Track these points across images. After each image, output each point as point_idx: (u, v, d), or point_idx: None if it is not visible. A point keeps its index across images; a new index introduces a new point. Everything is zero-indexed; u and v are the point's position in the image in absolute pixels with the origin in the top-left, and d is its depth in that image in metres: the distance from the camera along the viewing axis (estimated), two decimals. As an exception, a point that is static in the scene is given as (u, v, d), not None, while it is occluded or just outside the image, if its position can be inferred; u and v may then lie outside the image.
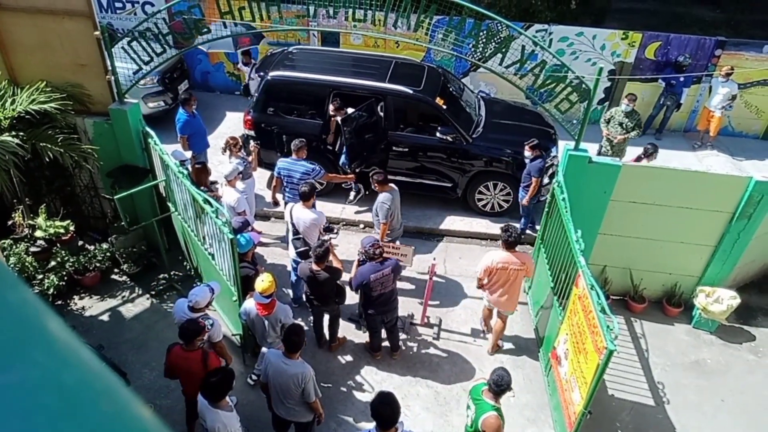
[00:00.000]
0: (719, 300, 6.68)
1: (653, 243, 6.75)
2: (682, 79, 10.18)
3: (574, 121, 6.29)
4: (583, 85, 6.01)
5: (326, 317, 6.32)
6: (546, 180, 8.26)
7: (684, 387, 6.33)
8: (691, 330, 7.02)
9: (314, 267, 5.66)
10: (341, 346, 6.53)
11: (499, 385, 4.33)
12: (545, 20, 11.07)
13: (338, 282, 5.94)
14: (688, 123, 11.10)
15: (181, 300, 5.36)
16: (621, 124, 8.83)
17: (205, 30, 6.73)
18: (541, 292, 6.74)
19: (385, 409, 3.88)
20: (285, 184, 7.05)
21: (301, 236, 6.32)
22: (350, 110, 7.95)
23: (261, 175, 8.37)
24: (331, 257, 5.84)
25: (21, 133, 6.16)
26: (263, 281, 5.21)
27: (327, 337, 6.43)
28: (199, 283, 7.05)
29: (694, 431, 5.90)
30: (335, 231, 6.78)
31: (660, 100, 10.56)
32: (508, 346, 6.65)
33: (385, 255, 5.71)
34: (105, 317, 6.79)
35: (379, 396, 4.01)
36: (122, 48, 6.39)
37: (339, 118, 7.88)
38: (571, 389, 5.14)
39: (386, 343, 6.38)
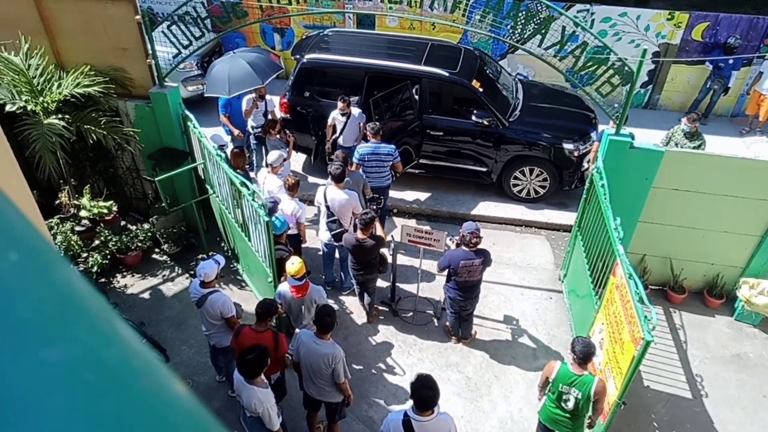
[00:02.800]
0: (764, 292, 6.45)
1: (695, 232, 6.54)
2: (731, 61, 9.75)
3: (616, 105, 6.11)
4: (626, 68, 5.82)
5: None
6: (585, 165, 8.09)
7: (724, 381, 6.16)
8: (733, 322, 6.81)
9: (359, 235, 5.83)
10: (376, 318, 6.68)
11: (587, 353, 4.47)
12: (587, 0, 10.74)
13: (381, 250, 6.11)
14: (736, 108, 10.65)
15: (194, 280, 5.45)
16: (677, 145, 7.63)
17: (242, 14, 6.78)
18: (576, 280, 6.63)
19: (426, 392, 3.91)
20: (369, 168, 7.12)
21: (335, 218, 6.37)
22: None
23: (296, 159, 8.43)
24: (375, 225, 5.97)
25: (67, 116, 6.37)
26: (293, 264, 5.29)
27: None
28: (235, 264, 7.23)
29: (733, 427, 5.74)
30: (380, 201, 6.84)
31: (707, 83, 10.15)
32: (541, 334, 6.59)
33: (475, 244, 5.62)
34: (146, 295, 7.02)
35: (420, 379, 4.04)
36: (162, 32, 6.50)
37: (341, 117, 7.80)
38: (606, 379, 5.06)
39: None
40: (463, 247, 5.66)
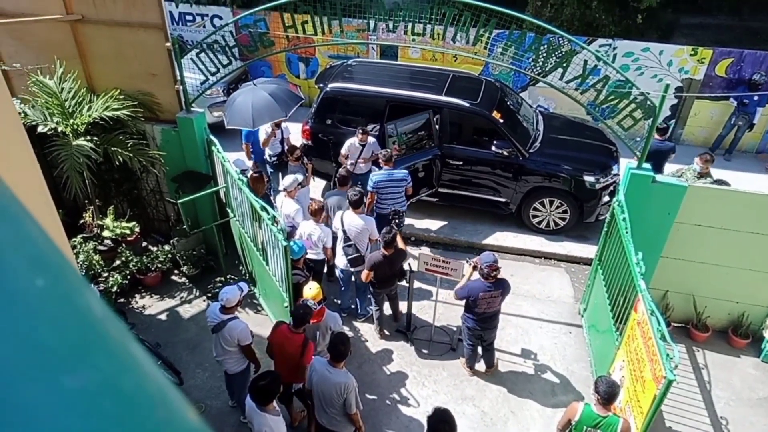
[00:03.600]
0: (792, 333, 6.25)
1: (720, 269, 6.39)
2: (756, 97, 9.66)
3: (638, 139, 6.08)
4: (648, 102, 5.81)
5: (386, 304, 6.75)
6: (606, 198, 8.02)
7: (751, 425, 5.93)
8: (760, 364, 6.58)
9: (385, 252, 6.05)
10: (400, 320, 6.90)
11: (611, 393, 4.37)
12: (609, 35, 10.80)
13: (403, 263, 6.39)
14: (762, 144, 10.51)
15: (213, 304, 5.44)
16: None
17: (269, 43, 6.94)
18: (597, 315, 6.51)
19: (444, 426, 3.85)
20: (384, 194, 7.20)
21: (352, 243, 6.39)
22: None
23: (315, 185, 8.50)
24: (398, 241, 6.18)
25: (95, 138, 6.54)
26: (311, 289, 5.30)
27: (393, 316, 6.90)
28: (252, 288, 7.25)
29: (760, 473, 5.52)
30: (401, 214, 7.01)
31: (731, 119, 10.05)
32: (559, 369, 6.45)
33: (494, 277, 5.62)
34: (163, 316, 7.06)
35: (438, 413, 3.97)
36: (191, 59, 6.69)
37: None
38: (626, 417, 4.92)
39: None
40: (480, 279, 5.62)
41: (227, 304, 5.20)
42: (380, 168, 7.35)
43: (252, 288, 7.32)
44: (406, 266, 6.50)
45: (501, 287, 5.65)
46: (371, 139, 7.94)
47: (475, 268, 5.83)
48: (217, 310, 5.27)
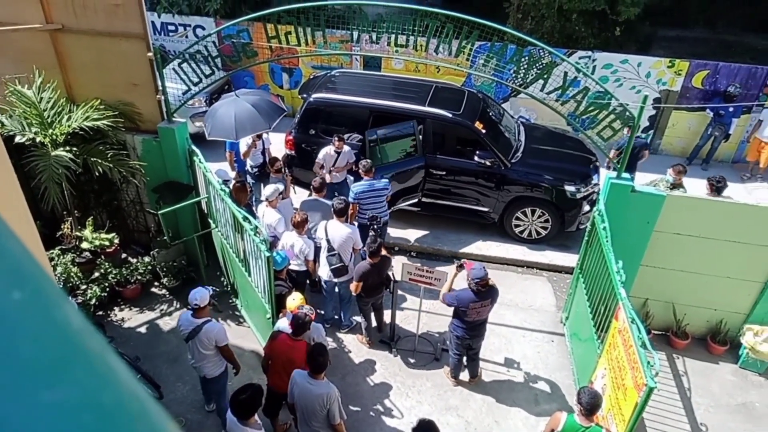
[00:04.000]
0: (769, 340, 6.36)
1: (698, 277, 6.50)
2: (731, 109, 9.89)
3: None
4: (627, 113, 5.91)
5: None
6: (587, 207, 8.12)
7: (730, 431, 6.02)
8: (738, 370, 6.69)
9: (372, 261, 6.06)
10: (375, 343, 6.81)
11: (594, 404, 4.37)
12: (589, 47, 10.99)
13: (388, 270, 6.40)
14: (737, 154, 10.74)
15: (183, 313, 5.41)
16: None
17: (252, 53, 6.94)
18: (579, 323, 6.56)
19: None
20: (365, 204, 7.18)
21: (336, 252, 6.37)
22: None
23: (298, 196, 8.48)
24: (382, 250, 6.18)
25: (74, 148, 6.45)
26: (294, 300, 5.27)
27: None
28: (234, 299, 7.18)
29: (740, 478, 5.58)
30: (379, 220, 6.99)
31: (708, 130, 10.27)
32: (543, 378, 6.48)
33: (471, 289, 5.60)
34: (143, 329, 6.95)
35: (423, 424, 3.96)
36: (173, 69, 6.65)
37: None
38: (608, 426, 4.95)
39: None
40: (468, 289, 5.62)
41: (200, 303, 5.15)
42: (360, 178, 7.34)
43: (233, 299, 7.25)
44: (390, 274, 6.49)
45: (490, 296, 5.66)
46: (346, 148, 7.97)
47: (460, 267, 5.83)
48: (189, 317, 5.21)
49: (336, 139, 7.81)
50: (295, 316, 5.02)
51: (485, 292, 5.60)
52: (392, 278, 6.40)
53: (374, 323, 6.86)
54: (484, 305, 5.64)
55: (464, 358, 6.20)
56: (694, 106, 10.25)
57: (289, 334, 5.05)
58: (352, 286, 6.20)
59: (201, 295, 5.18)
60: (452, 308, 5.83)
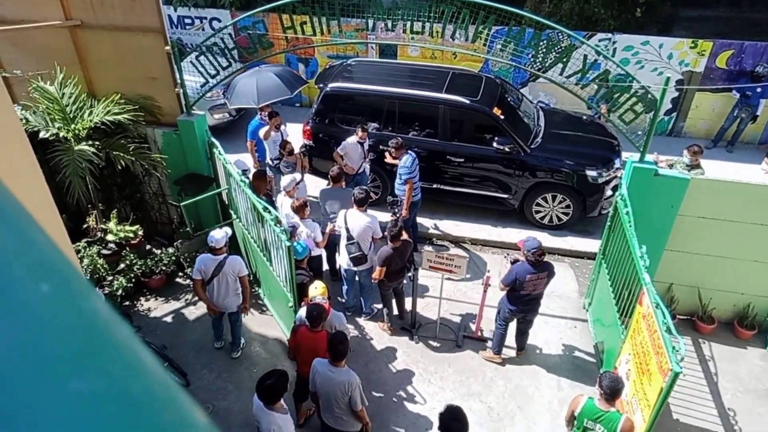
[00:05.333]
0: (798, 324, 6.23)
1: (724, 261, 6.38)
2: (759, 89, 9.62)
3: (639, 132, 6.06)
4: (649, 95, 5.79)
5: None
6: (609, 192, 8.01)
7: (759, 416, 5.92)
8: (767, 355, 6.57)
9: (393, 245, 6.09)
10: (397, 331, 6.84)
11: (614, 388, 4.33)
12: (608, 29, 10.77)
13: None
14: (764, 135, 10.46)
15: (200, 257, 6.02)
16: None
17: (268, 44, 6.94)
18: (602, 308, 6.50)
19: (456, 424, 3.85)
20: (416, 180, 7.42)
21: (355, 241, 6.39)
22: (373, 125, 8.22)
23: (317, 183, 8.49)
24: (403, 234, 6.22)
25: (97, 143, 6.56)
26: (316, 288, 5.31)
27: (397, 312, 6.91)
28: (257, 289, 7.26)
29: (769, 464, 5.51)
30: (399, 203, 7.02)
31: (734, 111, 10.00)
32: (565, 364, 6.45)
33: (540, 261, 5.67)
34: (169, 318, 7.08)
35: (450, 410, 3.97)
36: (190, 62, 6.69)
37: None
38: (633, 412, 4.92)
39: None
40: (526, 263, 5.66)
41: (216, 245, 5.76)
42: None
43: (256, 288, 7.33)
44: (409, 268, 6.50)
45: (546, 269, 5.70)
46: (367, 142, 7.95)
47: (514, 263, 5.90)
48: (209, 257, 5.85)
49: (359, 129, 7.77)
50: (308, 310, 5.11)
51: (542, 264, 5.64)
52: (414, 262, 6.42)
53: (396, 310, 6.87)
54: (541, 278, 5.67)
55: (513, 332, 6.27)
56: (719, 87, 10.00)
57: (307, 326, 5.11)
58: (376, 273, 6.21)
59: (218, 236, 5.78)
60: (513, 289, 5.85)
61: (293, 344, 5.32)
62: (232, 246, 7.62)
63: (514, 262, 5.93)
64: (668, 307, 5.16)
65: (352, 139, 7.85)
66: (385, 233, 6.25)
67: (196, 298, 7.34)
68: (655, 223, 6.07)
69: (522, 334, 6.31)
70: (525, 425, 5.78)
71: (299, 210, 6.38)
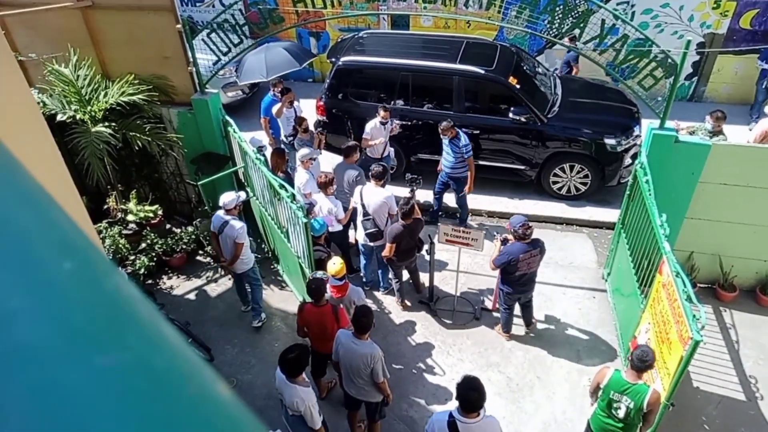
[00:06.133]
0: (823, 290, 6.13)
1: (746, 228, 6.28)
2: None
3: (659, 99, 5.93)
4: (669, 60, 5.64)
5: (405, 274, 6.79)
6: (628, 161, 7.88)
7: (780, 382, 5.90)
8: (790, 321, 6.51)
9: (404, 222, 6.04)
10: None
11: (644, 360, 4.29)
12: (627, -9, 10.44)
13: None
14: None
15: (216, 214, 6.20)
16: None
17: (279, 19, 6.88)
18: (621, 279, 6.46)
19: (473, 394, 3.89)
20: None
21: (371, 217, 6.40)
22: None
23: (331, 159, 8.49)
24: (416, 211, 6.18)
25: (113, 124, 6.61)
26: (335, 264, 5.35)
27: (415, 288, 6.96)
28: (275, 265, 7.34)
29: (791, 430, 5.50)
30: (418, 181, 6.90)
31: (762, 83, 9.59)
32: (584, 334, 6.45)
33: (529, 236, 5.61)
34: (191, 296, 7.21)
35: (467, 380, 4.02)
36: (202, 40, 6.67)
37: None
38: (653, 380, 4.92)
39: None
40: (518, 242, 5.62)
41: (226, 206, 5.97)
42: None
43: (275, 265, 7.40)
44: (424, 237, 6.49)
45: (538, 245, 5.66)
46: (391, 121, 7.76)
47: (504, 242, 5.82)
48: (220, 215, 6.05)
49: (381, 108, 7.57)
50: (307, 285, 5.18)
51: (532, 241, 5.60)
52: (429, 241, 6.39)
53: (409, 284, 6.90)
54: (533, 255, 5.62)
55: (517, 310, 6.23)
56: (742, 49, 9.69)
57: (312, 303, 5.17)
58: (386, 250, 6.21)
59: (228, 199, 5.99)
60: (506, 271, 5.79)
61: (301, 323, 5.36)
62: (250, 223, 7.71)
63: (504, 241, 5.84)
64: (689, 276, 5.12)
65: (375, 121, 7.63)
66: (397, 210, 6.22)
67: (217, 275, 7.47)
68: (676, 190, 5.98)
69: (526, 309, 6.24)
70: (544, 395, 5.83)
71: (324, 186, 6.40)
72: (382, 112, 7.53)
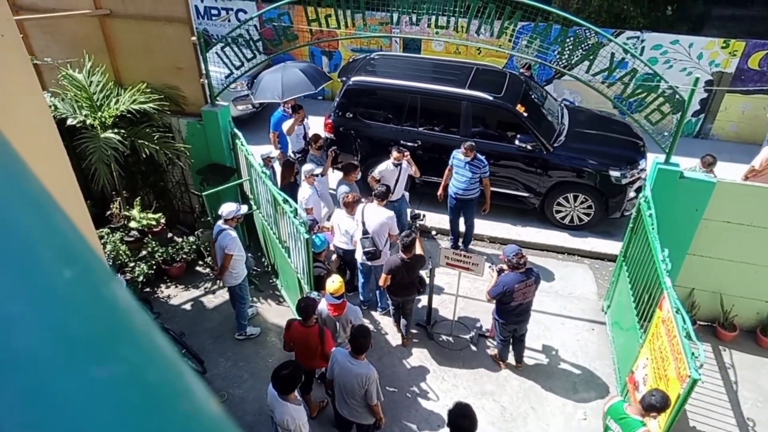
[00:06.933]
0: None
1: (749, 267, 6.24)
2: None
3: (666, 133, 5.96)
4: (677, 96, 5.68)
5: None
6: (632, 194, 7.89)
7: (778, 426, 5.81)
8: (790, 364, 6.43)
9: (404, 256, 5.83)
10: (411, 341, 6.65)
11: (650, 403, 4.18)
12: (637, 27, 10.57)
13: (420, 272, 6.14)
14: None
15: (216, 224, 6.20)
16: None
17: (293, 37, 6.97)
18: (621, 312, 6.42)
19: (464, 421, 3.85)
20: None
21: (370, 236, 6.37)
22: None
23: (337, 176, 8.52)
24: (416, 246, 5.97)
25: (122, 131, 6.66)
26: (334, 282, 5.33)
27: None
28: (274, 280, 7.32)
29: (788, 476, 5.40)
30: (421, 217, 6.85)
31: None
32: (582, 366, 6.39)
33: (524, 264, 5.53)
34: (188, 306, 7.18)
35: (459, 407, 3.97)
36: (216, 53, 6.75)
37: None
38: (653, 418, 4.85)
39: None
40: (512, 272, 5.58)
41: (225, 216, 5.97)
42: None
43: (274, 279, 7.38)
44: (425, 273, 6.31)
45: (532, 275, 5.61)
46: (404, 163, 7.32)
47: (500, 272, 5.78)
48: (219, 225, 6.05)
49: (395, 150, 7.22)
50: (297, 303, 5.17)
51: (527, 270, 5.55)
52: (429, 268, 6.31)
53: (402, 322, 6.57)
54: (529, 285, 5.58)
55: (510, 342, 6.15)
56: (750, 89, 9.76)
57: (300, 321, 5.13)
58: (381, 279, 6.05)
59: (228, 209, 6.01)
60: (501, 302, 5.74)
61: (287, 339, 5.33)
62: (252, 236, 7.71)
63: (500, 272, 5.78)
64: (689, 313, 5.08)
65: (387, 163, 7.27)
66: (398, 242, 6.04)
67: (215, 287, 7.45)
68: (679, 226, 5.97)
69: (519, 343, 6.13)
70: (538, 426, 5.75)
71: (348, 206, 6.41)
72: (395, 154, 7.20)
